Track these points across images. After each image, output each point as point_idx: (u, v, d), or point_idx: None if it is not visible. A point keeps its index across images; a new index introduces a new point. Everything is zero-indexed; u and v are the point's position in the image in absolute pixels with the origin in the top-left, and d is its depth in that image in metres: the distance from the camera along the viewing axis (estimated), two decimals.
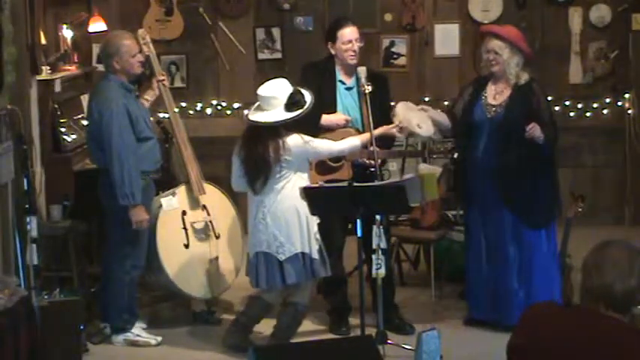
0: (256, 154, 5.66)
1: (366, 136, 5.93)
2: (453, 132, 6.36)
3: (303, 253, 5.70)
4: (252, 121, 5.69)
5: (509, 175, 6.04)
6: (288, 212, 5.68)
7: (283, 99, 5.62)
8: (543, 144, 5.99)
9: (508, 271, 6.13)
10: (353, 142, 5.87)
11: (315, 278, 5.87)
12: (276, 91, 5.66)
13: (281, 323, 5.89)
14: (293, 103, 5.62)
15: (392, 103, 6.34)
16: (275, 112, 5.62)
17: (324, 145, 5.77)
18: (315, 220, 5.73)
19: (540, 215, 6.11)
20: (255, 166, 5.68)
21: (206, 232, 6.46)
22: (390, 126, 6.02)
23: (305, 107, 5.63)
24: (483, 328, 6.24)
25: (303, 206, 5.62)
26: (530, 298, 6.05)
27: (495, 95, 6.16)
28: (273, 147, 5.61)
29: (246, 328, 6.00)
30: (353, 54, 6.18)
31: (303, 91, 5.71)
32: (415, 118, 6.04)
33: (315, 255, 5.73)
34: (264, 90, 5.69)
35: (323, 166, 6.18)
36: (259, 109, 5.71)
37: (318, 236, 5.76)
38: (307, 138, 5.67)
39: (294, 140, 5.64)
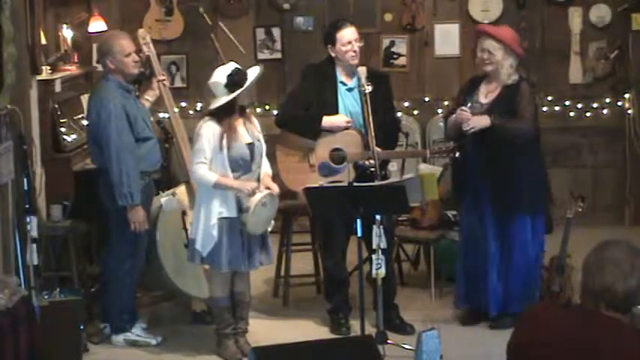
0: None
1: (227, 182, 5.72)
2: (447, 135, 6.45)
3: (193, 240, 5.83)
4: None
5: (494, 171, 6.09)
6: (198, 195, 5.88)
7: (223, 81, 5.67)
8: (519, 139, 6.01)
9: (488, 266, 6.17)
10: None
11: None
12: (217, 76, 5.72)
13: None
14: (233, 83, 5.65)
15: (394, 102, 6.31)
16: (218, 99, 5.72)
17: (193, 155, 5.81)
18: (214, 212, 5.67)
19: (523, 205, 6.12)
20: None
21: None
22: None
23: (244, 87, 5.63)
24: (483, 328, 6.25)
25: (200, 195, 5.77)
26: (508, 295, 6.17)
27: (487, 94, 6.21)
28: None
29: (226, 337, 5.95)
30: (354, 54, 6.18)
31: (250, 70, 5.71)
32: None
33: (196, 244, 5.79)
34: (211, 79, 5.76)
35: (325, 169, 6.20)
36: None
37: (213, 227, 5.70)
38: (202, 133, 5.69)
39: (199, 128, 5.74)
